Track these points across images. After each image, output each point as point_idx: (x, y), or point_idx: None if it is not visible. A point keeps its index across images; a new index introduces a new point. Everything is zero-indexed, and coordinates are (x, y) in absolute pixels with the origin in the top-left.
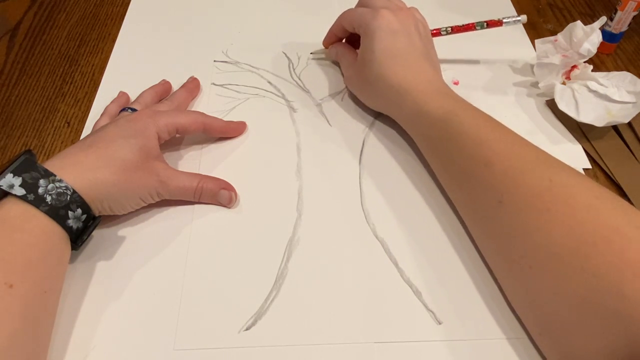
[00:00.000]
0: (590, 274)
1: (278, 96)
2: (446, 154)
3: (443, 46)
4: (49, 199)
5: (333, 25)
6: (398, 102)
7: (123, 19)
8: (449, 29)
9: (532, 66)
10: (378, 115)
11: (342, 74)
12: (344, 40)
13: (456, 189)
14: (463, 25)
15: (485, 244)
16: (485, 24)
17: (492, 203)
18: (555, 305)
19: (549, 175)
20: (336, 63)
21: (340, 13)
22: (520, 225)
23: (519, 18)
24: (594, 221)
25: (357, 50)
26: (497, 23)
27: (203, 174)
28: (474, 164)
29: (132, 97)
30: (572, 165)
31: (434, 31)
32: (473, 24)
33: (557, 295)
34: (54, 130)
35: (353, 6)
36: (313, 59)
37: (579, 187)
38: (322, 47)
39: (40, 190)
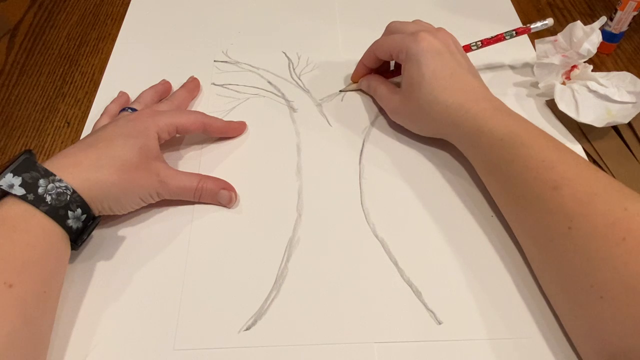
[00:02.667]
0: None
1: (278, 96)
2: (508, 176)
3: None
4: (48, 198)
5: (363, 57)
6: (454, 123)
7: (123, 19)
8: (479, 43)
9: (532, 66)
10: (378, 115)
11: (377, 105)
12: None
13: (518, 213)
14: (492, 37)
15: (548, 271)
16: (514, 32)
17: (560, 229)
18: (628, 340)
19: (624, 203)
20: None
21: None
22: (591, 253)
23: (545, 22)
24: None
25: (390, 80)
26: (526, 30)
27: (203, 174)
28: (541, 187)
29: (132, 97)
30: None
31: (465, 47)
32: (502, 34)
33: (631, 329)
34: (54, 130)
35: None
36: (343, 94)
37: None
38: (350, 82)
39: (40, 190)
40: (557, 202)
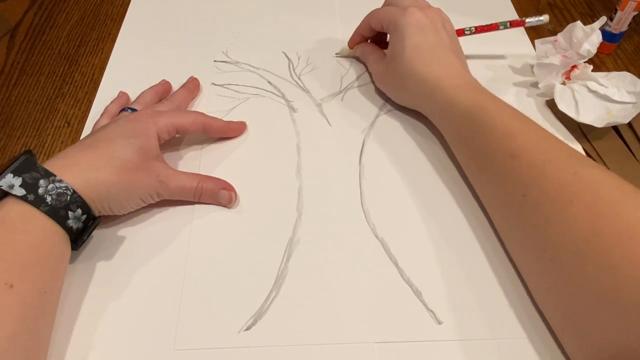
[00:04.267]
0: (610, 266)
1: (278, 96)
2: (474, 147)
3: None
4: (49, 199)
5: (359, 25)
6: (429, 95)
7: (123, 19)
8: (473, 28)
9: (532, 66)
10: (378, 115)
11: (369, 72)
12: (368, 41)
13: (483, 182)
14: (486, 25)
15: (510, 238)
16: (508, 23)
17: (516, 196)
18: (576, 298)
19: (574, 168)
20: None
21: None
22: (542, 218)
23: (541, 18)
24: (617, 215)
25: (384, 50)
26: (520, 23)
27: (203, 174)
28: (501, 156)
29: (132, 97)
30: None
31: (458, 30)
32: (497, 24)
33: (578, 288)
34: (54, 130)
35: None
36: (338, 58)
37: (604, 181)
38: (347, 47)
39: (40, 191)
40: (514, 171)
